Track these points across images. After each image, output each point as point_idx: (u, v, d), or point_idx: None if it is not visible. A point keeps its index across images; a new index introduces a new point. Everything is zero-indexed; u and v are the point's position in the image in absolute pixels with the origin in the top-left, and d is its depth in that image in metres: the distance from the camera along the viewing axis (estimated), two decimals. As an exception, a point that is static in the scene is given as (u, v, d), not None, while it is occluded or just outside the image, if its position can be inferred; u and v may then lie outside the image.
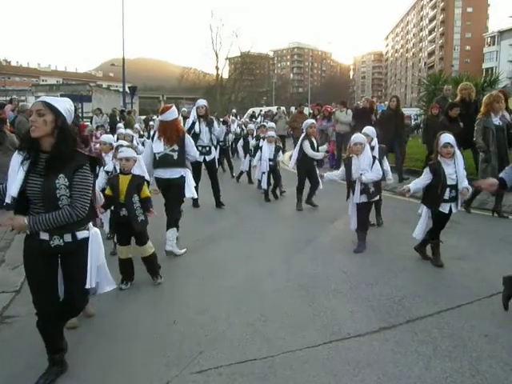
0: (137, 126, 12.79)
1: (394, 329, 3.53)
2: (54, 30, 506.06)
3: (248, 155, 10.25)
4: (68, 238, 2.77)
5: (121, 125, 11.44)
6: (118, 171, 4.78)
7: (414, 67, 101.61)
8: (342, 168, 5.71)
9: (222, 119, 9.54)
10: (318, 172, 7.64)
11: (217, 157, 8.51)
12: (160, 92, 64.28)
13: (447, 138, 4.70)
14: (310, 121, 8.22)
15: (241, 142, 11.18)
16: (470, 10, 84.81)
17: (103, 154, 5.71)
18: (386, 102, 44.39)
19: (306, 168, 7.80)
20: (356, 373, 2.96)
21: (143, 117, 24.27)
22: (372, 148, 5.88)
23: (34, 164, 2.67)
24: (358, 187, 5.43)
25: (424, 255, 5.10)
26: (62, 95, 24.15)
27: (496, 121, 7.05)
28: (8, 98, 16.25)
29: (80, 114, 18.02)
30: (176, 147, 5.44)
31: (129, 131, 9.77)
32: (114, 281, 3.31)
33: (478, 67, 67.03)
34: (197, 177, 7.10)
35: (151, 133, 8.47)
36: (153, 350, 3.28)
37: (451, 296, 4.09)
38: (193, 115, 7.88)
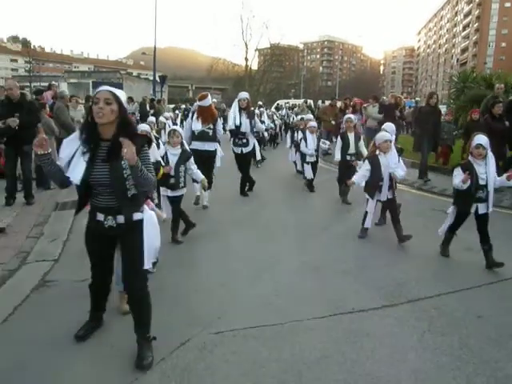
0: (169, 114, 13.40)
1: (395, 307, 3.87)
2: (87, 17, 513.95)
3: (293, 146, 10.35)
4: (121, 219, 2.91)
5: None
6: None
7: (445, 64, 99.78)
8: (367, 167, 5.66)
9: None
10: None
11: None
12: (189, 81, 64.96)
13: (480, 139, 4.70)
14: (346, 116, 8.23)
15: (289, 134, 11.44)
16: (508, 4, 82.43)
17: None
18: (418, 98, 43.80)
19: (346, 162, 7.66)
20: (355, 341, 3.31)
21: (172, 105, 24.78)
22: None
23: (95, 152, 2.82)
24: (386, 184, 5.57)
25: (444, 252, 5.17)
26: (93, 82, 24.91)
27: None
28: (43, 84, 16.96)
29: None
30: (211, 126, 6.93)
31: (162, 119, 10.24)
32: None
33: (514, 65, 65.49)
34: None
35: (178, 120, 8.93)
36: (176, 313, 3.69)
37: (452, 282, 4.39)
38: (234, 107, 7.99)
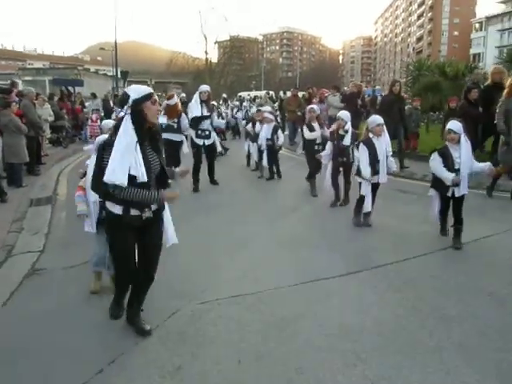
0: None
1: (360, 273, 4.38)
2: (38, 12, 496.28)
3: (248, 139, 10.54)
4: (155, 206, 3.12)
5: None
6: None
7: (402, 52, 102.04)
8: (364, 151, 5.66)
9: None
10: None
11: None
12: (148, 76, 64.06)
13: (451, 124, 4.97)
14: (309, 107, 8.33)
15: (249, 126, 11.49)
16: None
17: None
18: (378, 87, 44.41)
19: (311, 152, 7.71)
20: (325, 301, 3.81)
21: None
22: (346, 131, 6.56)
23: (143, 144, 2.98)
24: (383, 166, 5.68)
25: (444, 232, 5.42)
26: (54, 79, 24.43)
27: None
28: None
29: (73, 99, 18.34)
30: (176, 120, 8.07)
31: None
32: None
33: (466, 53, 67.61)
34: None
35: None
36: (163, 288, 4.03)
37: (409, 250, 4.94)
38: (195, 100, 8.23)
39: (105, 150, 2.90)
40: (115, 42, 23.89)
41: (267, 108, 10.88)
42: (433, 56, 65.40)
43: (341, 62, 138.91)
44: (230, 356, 3.02)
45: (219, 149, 9.40)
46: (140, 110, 2.90)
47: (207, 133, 8.31)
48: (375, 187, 5.86)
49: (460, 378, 2.77)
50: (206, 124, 8.24)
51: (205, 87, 8.34)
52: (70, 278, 4.42)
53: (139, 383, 2.80)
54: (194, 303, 3.79)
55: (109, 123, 6.72)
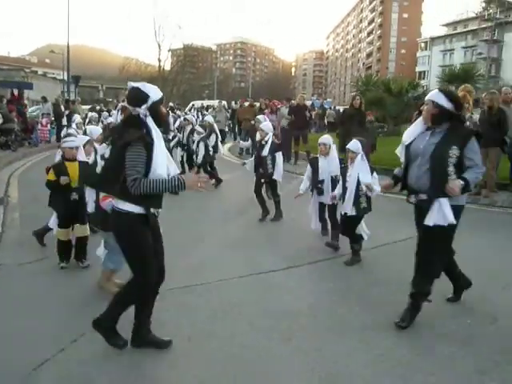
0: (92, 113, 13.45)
1: (298, 267, 4.93)
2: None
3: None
4: None
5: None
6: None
7: (353, 67, 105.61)
8: (308, 170, 5.83)
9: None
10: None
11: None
12: (99, 81, 63.00)
13: (350, 144, 4.99)
14: (257, 117, 8.18)
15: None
16: (405, 15, 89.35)
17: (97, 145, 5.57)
18: (329, 99, 45.47)
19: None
20: (268, 290, 4.30)
21: (86, 106, 23.66)
22: (266, 142, 6.70)
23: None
24: (328, 187, 5.60)
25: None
26: (0, 82, 23.66)
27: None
28: None
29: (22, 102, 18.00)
30: None
31: (78, 119, 10.19)
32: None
33: (413, 70, 71.38)
34: None
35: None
36: (124, 280, 4.36)
37: (342, 248, 5.42)
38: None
39: (127, 150, 2.85)
40: (67, 45, 23.38)
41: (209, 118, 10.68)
42: (381, 72, 68.31)
43: (293, 74, 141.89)
44: (181, 335, 3.40)
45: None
46: (157, 111, 2.98)
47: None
48: (325, 208, 5.75)
49: (376, 348, 3.28)
50: None
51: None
52: (27, 272, 4.67)
53: (101, 360, 3.12)
54: (149, 293, 4.14)
55: (98, 130, 6.35)
